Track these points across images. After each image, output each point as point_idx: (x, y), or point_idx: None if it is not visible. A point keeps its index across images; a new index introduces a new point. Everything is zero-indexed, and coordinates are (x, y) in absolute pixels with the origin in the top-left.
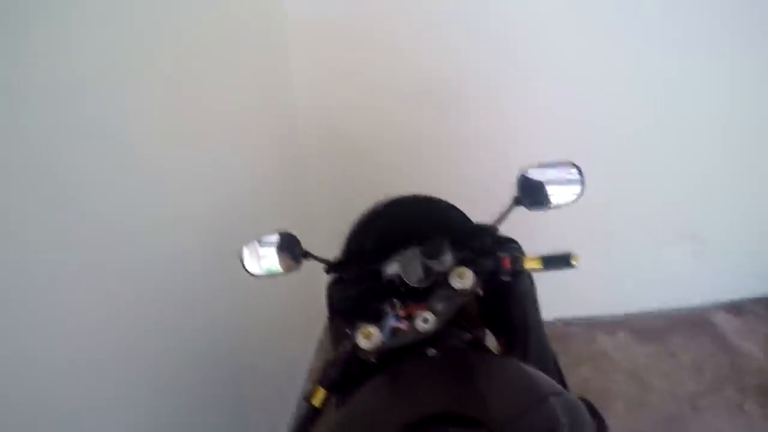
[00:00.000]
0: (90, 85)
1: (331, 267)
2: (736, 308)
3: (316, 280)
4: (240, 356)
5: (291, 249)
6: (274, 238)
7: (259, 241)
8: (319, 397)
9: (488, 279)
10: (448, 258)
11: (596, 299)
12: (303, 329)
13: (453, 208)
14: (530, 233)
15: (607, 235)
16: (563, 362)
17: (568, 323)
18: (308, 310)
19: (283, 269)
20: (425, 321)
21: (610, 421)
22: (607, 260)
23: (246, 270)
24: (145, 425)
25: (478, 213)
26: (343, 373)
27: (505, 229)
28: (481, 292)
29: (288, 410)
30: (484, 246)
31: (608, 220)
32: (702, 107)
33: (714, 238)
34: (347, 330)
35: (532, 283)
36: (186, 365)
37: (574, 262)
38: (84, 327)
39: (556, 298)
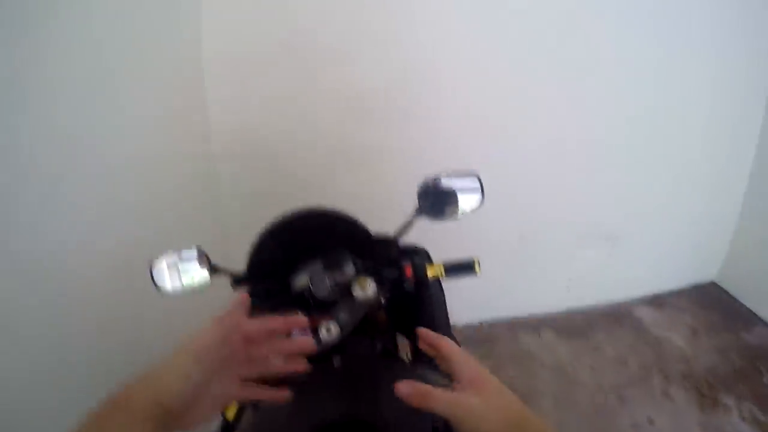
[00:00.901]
0: None
1: (237, 280)
2: (656, 301)
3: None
4: None
5: (200, 264)
6: (183, 253)
7: (168, 257)
8: (232, 410)
9: (393, 287)
10: (349, 268)
11: (518, 300)
12: None
13: (354, 221)
14: (444, 239)
15: (520, 237)
16: (489, 364)
17: (492, 325)
18: None
19: (193, 285)
20: (328, 331)
21: None
22: (524, 262)
23: (156, 287)
24: None
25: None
26: None
27: (417, 235)
28: (383, 301)
29: None
30: (388, 256)
31: (521, 223)
32: (613, 107)
33: (629, 236)
34: None
35: (440, 288)
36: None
37: (476, 269)
38: None
39: (479, 301)
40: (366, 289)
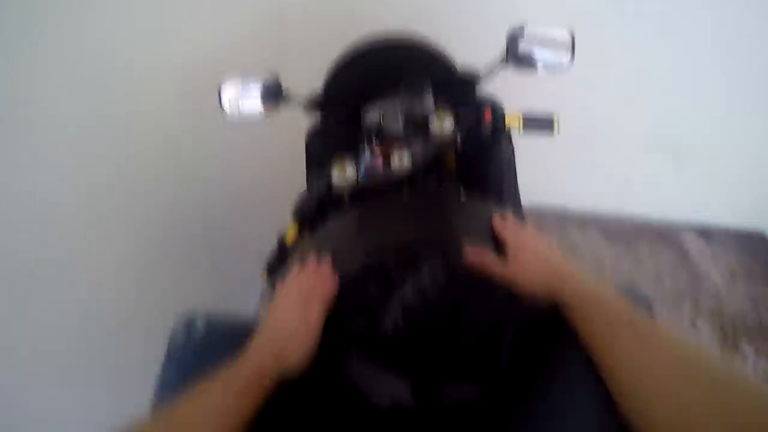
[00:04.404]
0: None
1: (310, 104)
2: (705, 232)
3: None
4: (218, 214)
5: (272, 91)
6: (255, 78)
7: (240, 81)
8: (291, 234)
9: (468, 134)
10: (428, 100)
11: (571, 193)
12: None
13: (439, 52)
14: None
15: (588, 129)
16: None
17: (541, 211)
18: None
19: (263, 113)
20: (401, 160)
21: None
22: (587, 155)
23: (224, 111)
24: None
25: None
26: (317, 209)
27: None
28: (459, 139)
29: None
30: (467, 97)
31: (593, 114)
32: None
33: (697, 159)
34: (324, 170)
35: (511, 149)
36: (163, 215)
37: (555, 127)
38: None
39: (532, 185)
40: (444, 123)
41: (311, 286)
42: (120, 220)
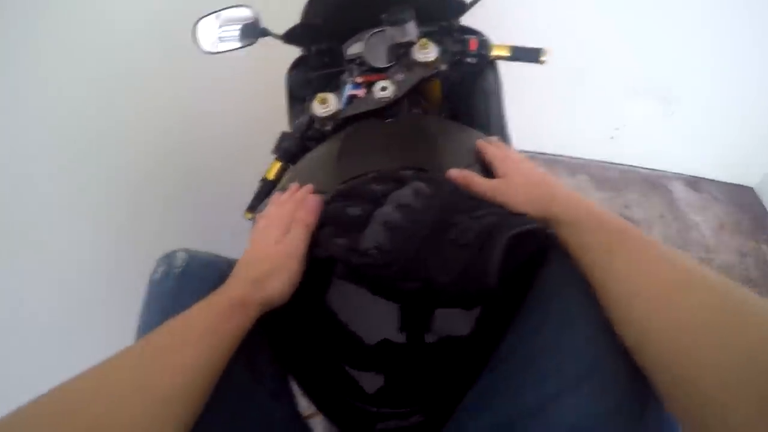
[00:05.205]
0: None
1: (287, 36)
2: (694, 183)
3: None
4: (202, 160)
5: (248, 25)
6: (230, 13)
7: (216, 17)
8: (274, 169)
9: (453, 63)
10: (412, 27)
11: (561, 138)
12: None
13: None
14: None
15: (579, 76)
16: None
17: (531, 156)
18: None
19: (239, 46)
20: (383, 89)
21: None
22: (577, 103)
23: (200, 47)
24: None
25: None
26: (299, 144)
27: None
28: (444, 67)
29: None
30: (452, 26)
31: (583, 61)
32: None
33: (687, 110)
34: (305, 104)
35: (498, 81)
36: (146, 161)
37: (543, 58)
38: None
39: (522, 130)
40: (427, 51)
41: (292, 212)
42: (101, 166)
